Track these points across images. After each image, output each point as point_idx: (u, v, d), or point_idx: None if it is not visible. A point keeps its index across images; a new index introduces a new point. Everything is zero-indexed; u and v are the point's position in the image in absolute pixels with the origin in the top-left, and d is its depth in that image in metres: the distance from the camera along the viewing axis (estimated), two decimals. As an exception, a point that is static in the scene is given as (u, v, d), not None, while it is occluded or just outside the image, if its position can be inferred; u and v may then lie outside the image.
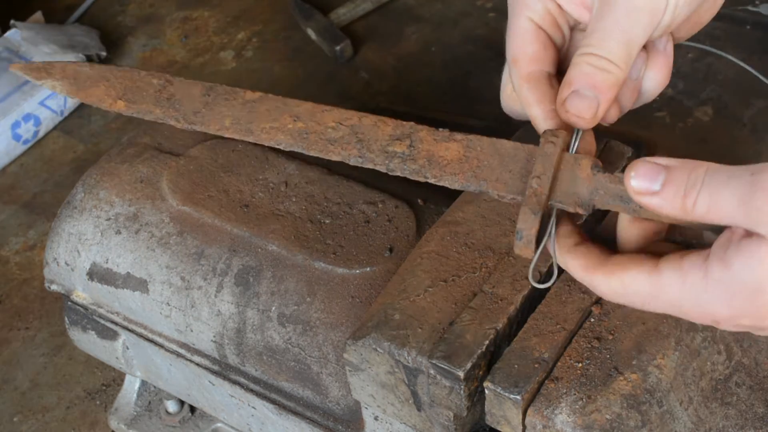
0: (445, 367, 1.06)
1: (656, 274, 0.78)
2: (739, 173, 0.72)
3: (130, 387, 1.77)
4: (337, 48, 2.84)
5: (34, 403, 2.10)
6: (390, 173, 0.89)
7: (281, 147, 0.94)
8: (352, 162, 0.90)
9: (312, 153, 0.91)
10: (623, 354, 1.07)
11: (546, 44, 0.88)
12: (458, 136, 0.88)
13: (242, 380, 1.44)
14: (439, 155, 0.87)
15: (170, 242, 1.45)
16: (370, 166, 0.89)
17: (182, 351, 1.49)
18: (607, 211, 0.86)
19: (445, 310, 1.12)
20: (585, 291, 1.13)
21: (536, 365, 1.06)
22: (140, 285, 1.47)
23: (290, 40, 3.00)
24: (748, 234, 0.73)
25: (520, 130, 1.40)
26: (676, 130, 2.49)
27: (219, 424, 1.71)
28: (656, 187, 0.76)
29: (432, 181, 0.88)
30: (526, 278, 1.15)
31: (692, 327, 1.11)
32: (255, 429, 1.52)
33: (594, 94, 0.81)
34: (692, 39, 2.72)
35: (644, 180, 0.76)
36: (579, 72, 0.81)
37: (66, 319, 1.64)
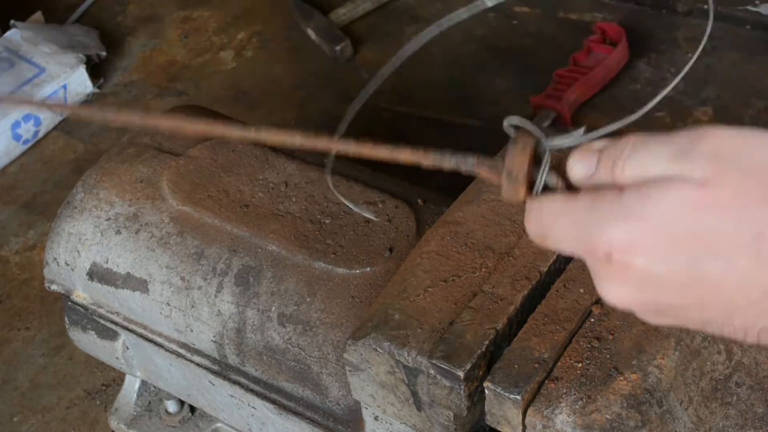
0: (445, 367, 1.06)
1: (573, 194, 0.76)
2: (675, 136, 0.73)
3: (130, 387, 1.77)
4: (337, 48, 2.84)
5: (34, 403, 2.10)
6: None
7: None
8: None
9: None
10: (623, 354, 1.07)
11: None
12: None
13: (242, 380, 1.44)
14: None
15: (170, 242, 1.45)
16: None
17: (182, 351, 1.49)
18: None
19: (445, 310, 1.12)
20: (585, 290, 1.13)
21: (536, 365, 1.06)
22: (140, 285, 1.47)
23: (290, 40, 3.00)
24: (677, 178, 0.71)
25: (519, 129, 1.39)
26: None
27: (219, 424, 1.71)
28: (592, 170, 0.77)
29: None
30: (526, 278, 1.15)
31: (692, 327, 1.11)
32: (255, 429, 1.52)
33: None
34: (692, 39, 2.73)
35: (582, 166, 0.77)
36: None
37: (66, 319, 1.64)
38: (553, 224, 0.77)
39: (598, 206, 0.74)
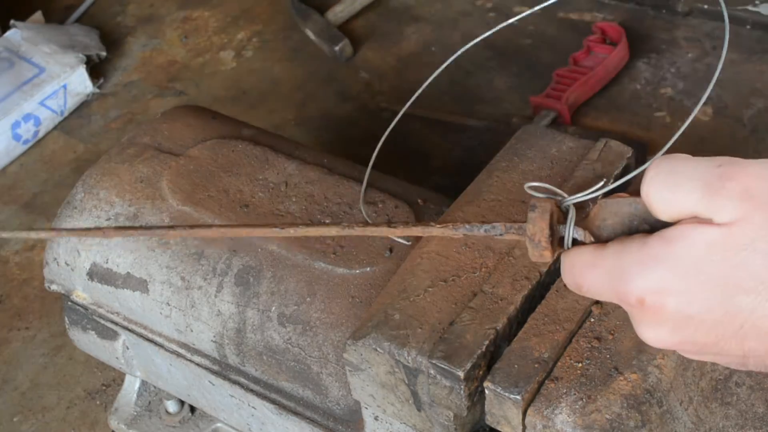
0: (445, 367, 1.06)
1: (601, 246, 0.79)
2: (703, 168, 0.74)
3: (130, 387, 1.77)
4: (336, 48, 2.84)
5: (34, 403, 2.10)
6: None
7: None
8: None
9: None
10: (623, 354, 1.07)
11: None
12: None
13: (242, 380, 1.44)
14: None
15: (170, 242, 1.45)
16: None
17: (182, 351, 1.49)
18: None
19: (445, 310, 1.12)
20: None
21: (536, 365, 1.06)
22: (140, 285, 1.47)
23: (290, 40, 3.00)
24: (700, 221, 0.73)
25: (519, 130, 1.40)
26: (676, 130, 2.48)
27: (219, 424, 1.71)
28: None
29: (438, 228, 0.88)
30: (526, 278, 1.15)
31: (692, 327, 1.11)
32: (255, 429, 1.52)
33: None
34: (692, 39, 2.73)
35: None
36: None
37: (66, 319, 1.64)
38: (586, 276, 0.79)
39: (624, 255, 0.76)
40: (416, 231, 0.87)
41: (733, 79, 2.58)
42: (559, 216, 0.82)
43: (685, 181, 0.73)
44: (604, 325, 1.10)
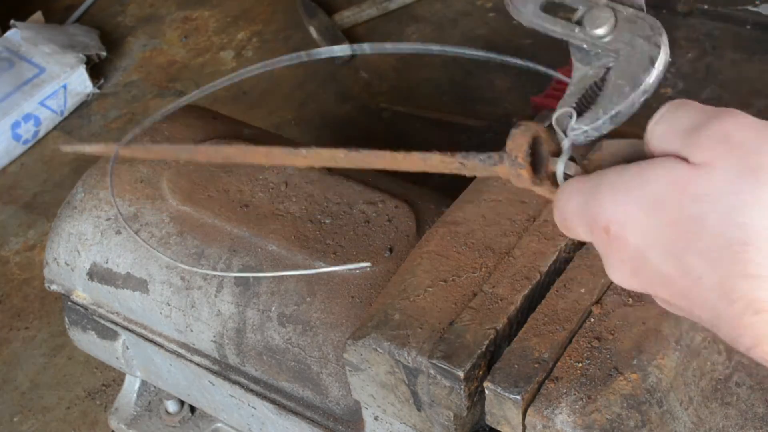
0: (445, 367, 1.06)
1: (587, 175, 0.74)
2: (709, 107, 0.69)
3: (130, 387, 1.77)
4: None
5: (34, 403, 2.10)
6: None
7: None
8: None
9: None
10: (623, 354, 1.07)
11: None
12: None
13: (242, 380, 1.43)
14: None
15: (170, 242, 1.45)
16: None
17: (182, 351, 1.49)
18: None
19: (445, 310, 1.12)
20: (585, 290, 1.13)
21: (536, 365, 1.06)
22: (140, 285, 1.47)
23: (290, 40, 3.00)
24: (677, 157, 0.68)
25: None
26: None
27: (219, 424, 1.71)
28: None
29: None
30: (526, 278, 1.15)
31: (692, 327, 1.11)
32: (255, 429, 1.52)
33: None
34: (692, 39, 2.73)
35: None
36: None
37: (66, 319, 1.64)
38: (567, 205, 0.74)
39: (602, 180, 0.71)
40: (416, 156, 0.87)
41: (733, 79, 2.58)
42: (555, 150, 0.77)
43: (682, 118, 0.69)
44: (604, 325, 1.10)
